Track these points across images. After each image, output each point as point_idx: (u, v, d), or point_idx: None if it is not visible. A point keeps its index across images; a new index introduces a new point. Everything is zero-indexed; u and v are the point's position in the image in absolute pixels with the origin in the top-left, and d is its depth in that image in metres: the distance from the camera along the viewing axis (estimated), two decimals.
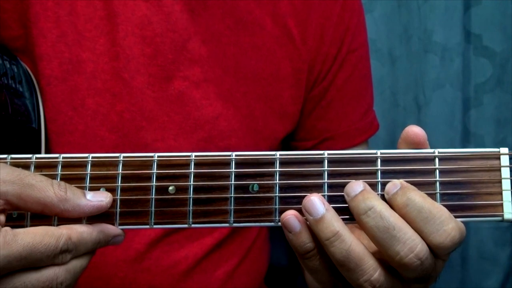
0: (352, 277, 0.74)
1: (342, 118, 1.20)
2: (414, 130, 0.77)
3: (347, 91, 1.19)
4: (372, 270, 0.73)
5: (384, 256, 0.74)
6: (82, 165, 0.79)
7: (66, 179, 0.79)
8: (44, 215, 0.74)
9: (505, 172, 0.75)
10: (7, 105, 0.92)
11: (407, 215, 0.73)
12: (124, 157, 0.79)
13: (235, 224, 0.77)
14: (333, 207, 0.75)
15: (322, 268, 0.76)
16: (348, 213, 0.76)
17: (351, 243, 0.73)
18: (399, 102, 1.72)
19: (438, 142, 1.68)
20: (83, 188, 0.78)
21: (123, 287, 1.05)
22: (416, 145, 0.77)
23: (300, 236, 0.74)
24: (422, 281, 0.77)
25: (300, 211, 0.76)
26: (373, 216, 0.73)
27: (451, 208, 0.74)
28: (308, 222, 0.75)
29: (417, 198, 0.73)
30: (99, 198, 0.76)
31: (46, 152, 1.00)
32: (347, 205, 0.76)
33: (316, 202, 0.74)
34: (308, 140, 1.21)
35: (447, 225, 0.72)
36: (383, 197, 0.75)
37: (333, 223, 0.73)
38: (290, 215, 0.75)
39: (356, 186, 0.75)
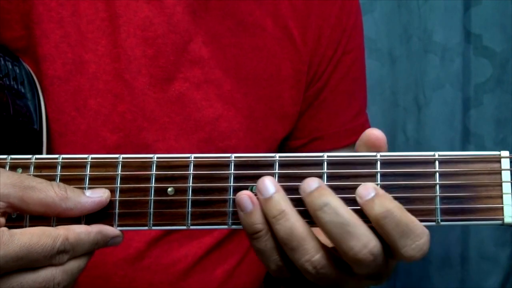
0: (295, 257, 0.74)
1: (333, 118, 1.20)
2: (376, 134, 0.78)
3: (340, 91, 1.19)
4: (314, 251, 0.74)
5: (339, 252, 0.74)
6: (81, 166, 0.79)
7: (65, 179, 0.79)
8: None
9: (505, 175, 0.75)
10: (8, 106, 0.93)
11: (384, 227, 0.72)
12: (123, 158, 0.79)
13: (233, 226, 0.77)
14: None
15: (268, 249, 0.76)
16: None
17: (295, 222, 0.74)
18: (399, 102, 1.73)
19: (438, 142, 1.69)
20: (82, 189, 0.78)
21: (123, 285, 1.05)
22: (377, 148, 0.77)
23: (250, 216, 0.75)
24: (374, 278, 0.78)
25: (301, 213, 0.76)
26: (329, 212, 0.73)
27: (451, 212, 0.74)
28: (259, 202, 0.75)
29: (396, 210, 0.73)
30: (97, 194, 0.77)
31: (47, 154, 1.00)
32: None
33: (267, 182, 0.75)
34: (298, 139, 1.21)
35: (420, 240, 0.73)
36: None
37: (281, 202, 0.74)
38: (245, 195, 0.75)
39: (311, 182, 0.75)
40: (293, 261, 0.75)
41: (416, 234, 0.73)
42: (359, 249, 0.72)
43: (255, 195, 0.76)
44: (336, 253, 0.76)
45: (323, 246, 0.75)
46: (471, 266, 1.75)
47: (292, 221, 0.74)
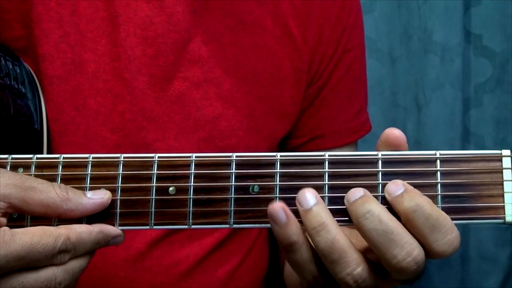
0: (335, 270, 0.74)
1: (333, 117, 1.20)
2: (395, 133, 0.78)
3: (340, 90, 1.19)
4: (355, 264, 0.74)
5: (382, 260, 0.74)
6: (82, 165, 0.79)
7: (66, 179, 0.79)
8: None
9: (507, 174, 0.75)
10: (9, 105, 0.93)
11: (413, 221, 0.73)
12: (124, 157, 0.79)
13: (235, 225, 0.77)
14: (333, 208, 0.75)
15: (304, 261, 0.76)
16: (347, 215, 0.76)
17: (336, 234, 0.73)
18: (399, 102, 1.73)
19: (438, 142, 1.69)
20: (83, 188, 0.78)
21: (124, 286, 1.05)
22: (397, 147, 0.78)
23: (285, 229, 0.74)
24: (409, 281, 0.78)
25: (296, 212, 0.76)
26: (372, 219, 0.73)
27: (452, 211, 0.74)
28: (299, 213, 0.75)
29: (426, 204, 0.73)
30: (98, 196, 0.77)
31: (48, 153, 1.01)
32: None
33: (308, 194, 0.75)
34: (298, 138, 1.21)
35: (451, 234, 0.73)
36: (383, 198, 0.75)
37: (321, 214, 0.74)
38: (278, 207, 0.74)
39: (356, 192, 0.75)
40: (333, 274, 0.75)
41: (446, 228, 0.73)
42: (403, 258, 0.72)
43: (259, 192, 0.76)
44: (371, 259, 0.76)
45: (365, 259, 0.75)
46: (471, 266, 1.75)
47: (333, 233, 0.73)
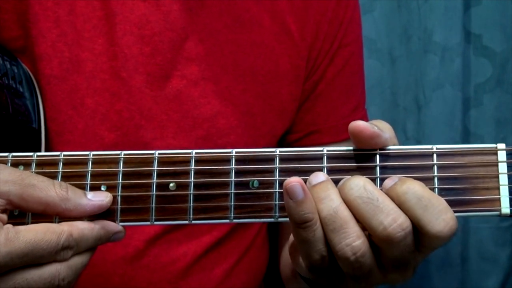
0: (336, 240, 0.75)
1: (330, 112, 1.20)
2: (357, 126, 0.77)
3: (337, 85, 1.19)
4: (356, 236, 0.74)
5: (369, 231, 0.75)
6: (83, 162, 0.80)
7: (67, 176, 0.79)
8: None
9: (502, 167, 0.76)
10: (8, 105, 0.93)
11: (406, 203, 0.73)
12: (125, 154, 0.80)
13: (235, 220, 0.78)
14: None
15: (315, 239, 0.76)
16: None
17: (340, 204, 0.75)
18: (399, 102, 1.73)
19: (438, 142, 1.67)
20: (84, 185, 0.79)
21: (122, 284, 1.06)
22: (366, 139, 0.77)
23: (301, 205, 0.75)
24: (401, 266, 0.78)
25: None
26: (357, 189, 0.74)
27: (449, 203, 0.74)
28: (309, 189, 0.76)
29: (417, 186, 0.74)
30: (99, 198, 0.77)
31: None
32: None
33: (320, 173, 0.77)
34: (294, 133, 1.21)
35: (445, 214, 0.73)
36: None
37: (328, 186, 0.76)
38: (296, 182, 0.75)
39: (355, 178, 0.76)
40: (333, 246, 0.75)
41: (440, 208, 0.73)
42: (389, 223, 0.73)
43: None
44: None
45: (365, 236, 0.75)
46: (471, 266, 1.75)
47: (337, 202, 0.75)
